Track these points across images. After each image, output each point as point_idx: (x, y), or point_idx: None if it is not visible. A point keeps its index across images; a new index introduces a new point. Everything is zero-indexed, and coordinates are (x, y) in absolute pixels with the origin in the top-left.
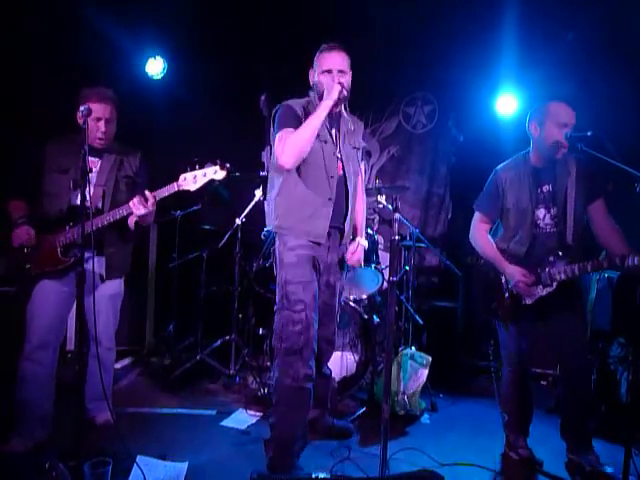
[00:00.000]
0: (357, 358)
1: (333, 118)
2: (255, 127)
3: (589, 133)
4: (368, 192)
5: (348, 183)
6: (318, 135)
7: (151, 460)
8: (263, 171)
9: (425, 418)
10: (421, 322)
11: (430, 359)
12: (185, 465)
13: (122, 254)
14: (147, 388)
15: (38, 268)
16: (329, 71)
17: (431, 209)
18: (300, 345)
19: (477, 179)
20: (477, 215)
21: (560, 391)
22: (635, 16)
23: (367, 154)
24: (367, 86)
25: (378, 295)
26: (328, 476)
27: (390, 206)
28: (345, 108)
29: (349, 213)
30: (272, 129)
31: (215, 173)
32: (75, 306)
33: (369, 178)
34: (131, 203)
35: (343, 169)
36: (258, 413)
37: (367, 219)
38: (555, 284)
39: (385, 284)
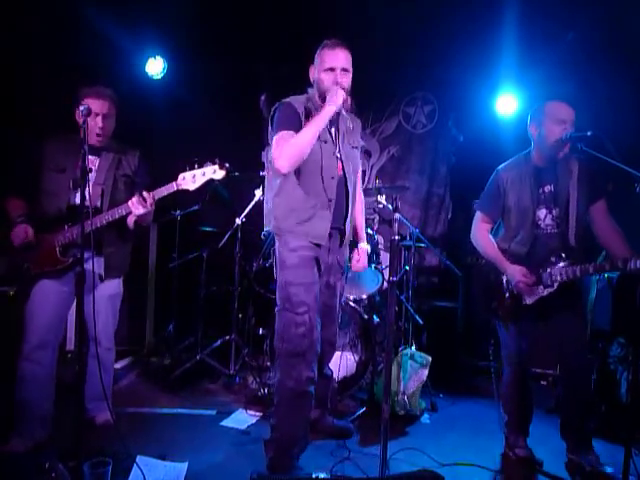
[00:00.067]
0: (357, 358)
1: (332, 117)
2: (255, 127)
3: (589, 133)
4: (368, 192)
5: (348, 183)
6: (318, 135)
7: (151, 460)
8: (263, 171)
9: (425, 418)
10: (421, 322)
11: (430, 359)
12: (185, 465)
13: (121, 253)
14: (147, 388)
15: (37, 268)
16: (332, 69)
17: (431, 209)
18: (303, 348)
19: (477, 179)
20: (478, 215)
21: (560, 391)
22: (635, 16)
23: (367, 154)
24: (367, 86)
25: (378, 295)
26: (328, 476)
27: (390, 206)
28: (347, 110)
29: (349, 214)
30: (270, 127)
31: (214, 172)
32: (74, 306)
33: (369, 178)
34: (130, 203)
35: (343, 169)
36: (258, 413)
37: (367, 219)
38: (556, 285)
39: (385, 284)
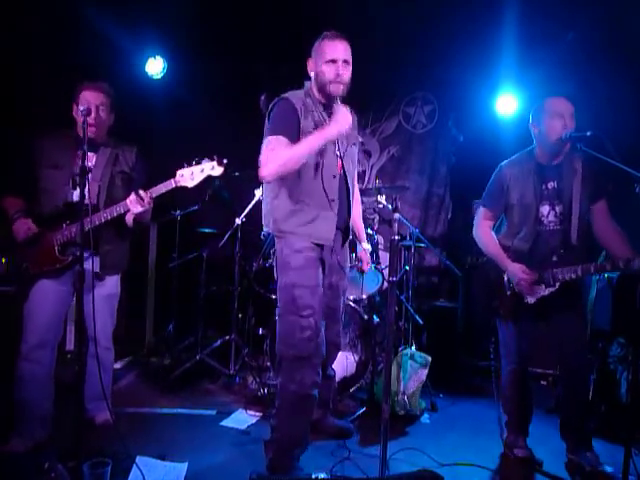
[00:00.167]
0: (357, 358)
1: (332, 114)
2: (255, 127)
3: (589, 133)
4: (368, 192)
5: (348, 182)
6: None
7: (151, 460)
8: None
9: (425, 418)
10: (421, 322)
11: (430, 359)
12: (185, 465)
13: (119, 251)
14: (147, 388)
15: (36, 267)
16: (333, 61)
17: (431, 209)
18: (309, 352)
19: (477, 179)
20: (481, 210)
21: (560, 391)
22: (635, 16)
23: (367, 154)
24: (367, 86)
25: (378, 295)
26: (328, 476)
27: (390, 206)
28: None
29: (350, 212)
30: (266, 121)
31: (213, 169)
32: (73, 305)
33: (369, 178)
34: (128, 200)
35: (343, 167)
36: (258, 413)
37: (367, 219)
38: (558, 284)
39: (385, 284)
